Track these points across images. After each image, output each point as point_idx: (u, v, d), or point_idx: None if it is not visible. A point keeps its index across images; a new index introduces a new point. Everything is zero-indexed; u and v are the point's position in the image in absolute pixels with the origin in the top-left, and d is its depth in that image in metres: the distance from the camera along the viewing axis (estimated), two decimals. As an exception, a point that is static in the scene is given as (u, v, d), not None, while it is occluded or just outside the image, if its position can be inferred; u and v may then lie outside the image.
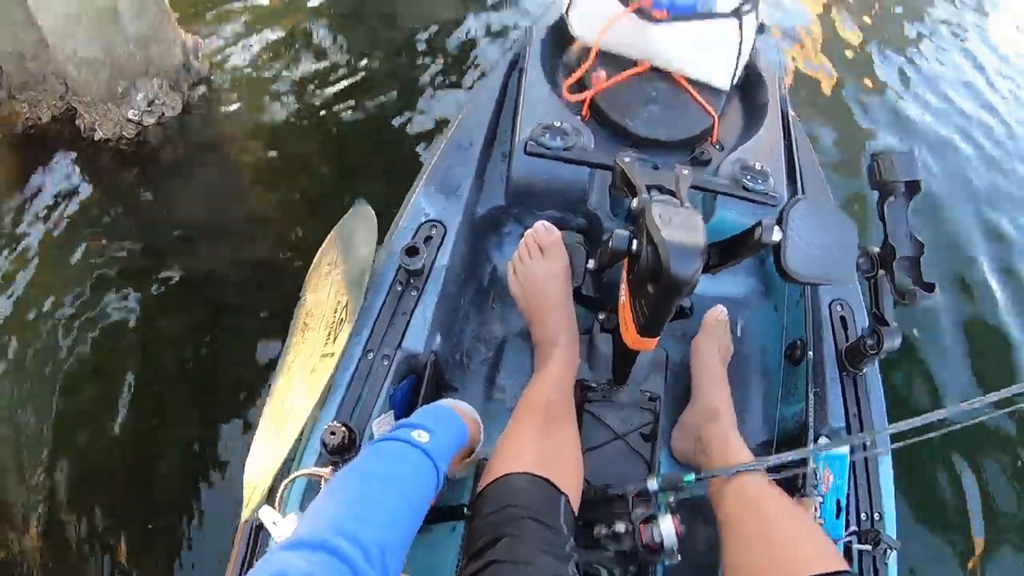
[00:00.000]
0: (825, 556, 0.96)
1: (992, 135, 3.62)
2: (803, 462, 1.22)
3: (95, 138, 2.89)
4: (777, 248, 1.03)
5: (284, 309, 2.16)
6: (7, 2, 2.71)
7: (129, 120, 2.88)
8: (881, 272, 1.28)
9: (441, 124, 3.04)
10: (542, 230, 1.37)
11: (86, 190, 2.81)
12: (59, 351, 2.27)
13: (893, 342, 1.30)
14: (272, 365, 2.09)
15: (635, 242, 1.01)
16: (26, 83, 2.99)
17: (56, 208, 2.73)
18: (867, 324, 1.35)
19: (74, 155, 2.90)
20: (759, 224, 1.04)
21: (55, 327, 2.33)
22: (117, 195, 2.82)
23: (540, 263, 1.33)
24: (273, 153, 2.93)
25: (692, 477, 1.11)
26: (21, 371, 2.24)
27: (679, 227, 0.92)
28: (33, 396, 2.18)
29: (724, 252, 1.13)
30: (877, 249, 1.29)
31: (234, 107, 3.12)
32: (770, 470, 1.11)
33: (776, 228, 1.03)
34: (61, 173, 2.86)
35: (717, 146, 1.65)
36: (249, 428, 2.04)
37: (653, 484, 1.12)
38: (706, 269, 0.98)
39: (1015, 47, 4.50)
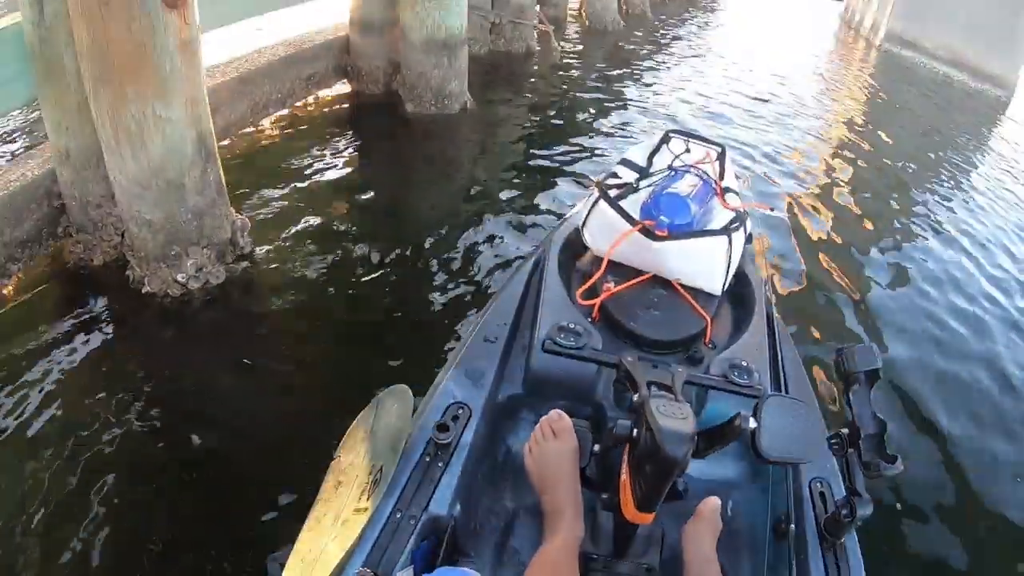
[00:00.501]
0: None
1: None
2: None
3: (142, 291, 3.18)
4: (753, 435, 1.25)
5: (291, 481, 2.34)
6: (90, 153, 3.09)
7: (176, 281, 3.16)
8: (851, 450, 1.47)
9: (453, 311, 3.36)
10: (556, 416, 1.55)
11: (123, 333, 3.05)
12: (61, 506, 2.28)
13: (865, 511, 1.47)
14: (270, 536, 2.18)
15: (635, 430, 1.24)
16: (85, 226, 3.32)
17: (90, 345, 2.93)
18: (843, 496, 1.53)
19: (119, 302, 3.17)
20: (739, 415, 1.27)
21: (63, 471, 2.37)
22: (153, 347, 3.04)
23: (553, 444, 1.52)
24: (303, 330, 3.18)
25: None
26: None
27: (673, 418, 1.15)
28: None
29: (711, 438, 1.33)
30: (846, 430, 1.50)
31: (271, 284, 3.43)
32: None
33: (751, 419, 1.25)
34: (103, 313, 3.11)
35: (710, 345, 1.90)
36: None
37: None
38: (697, 454, 1.20)
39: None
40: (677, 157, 2.51)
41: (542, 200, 4.58)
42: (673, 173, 2.29)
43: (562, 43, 8.26)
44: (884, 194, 6.51)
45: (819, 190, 6.15)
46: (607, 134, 6.04)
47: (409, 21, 5.19)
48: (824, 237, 5.12)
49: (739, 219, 2.11)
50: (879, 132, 8.97)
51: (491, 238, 4.03)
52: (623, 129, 6.24)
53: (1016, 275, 5.20)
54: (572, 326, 1.65)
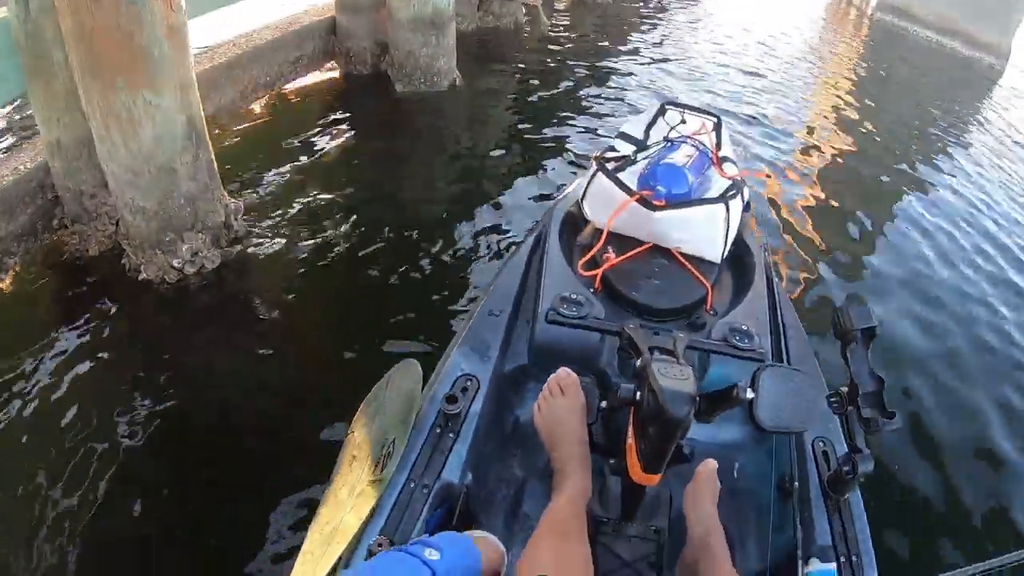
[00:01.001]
0: None
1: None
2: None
3: (139, 278, 3.17)
4: (751, 405, 1.27)
5: (295, 459, 2.36)
6: (81, 144, 3.09)
7: (172, 267, 3.16)
8: (850, 408, 1.49)
9: (454, 286, 3.37)
10: (563, 374, 1.57)
11: (122, 321, 3.04)
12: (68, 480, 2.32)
13: (867, 467, 1.49)
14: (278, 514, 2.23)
15: (638, 393, 1.25)
16: (80, 217, 3.32)
17: (90, 334, 2.93)
18: (844, 454, 1.55)
19: (117, 290, 3.16)
20: (736, 386, 1.29)
21: (66, 454, 2.40)
22: (152, 332, 3.05)
23: (561, 400, 1.54)
24: (302, 311, 3.18)
25: None
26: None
27: (674, 379, 1.17)
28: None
29: (712, 402, 1.36)
30: (845, 389, 1.52)
31: (267, 266, 3.42)
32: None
33: (749, 389, 1.27)
34: (101, 302, 3.10)
35: (712, 312, 1.92)
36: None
37: None
38: (700, 417, 1.22)
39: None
40: (673, 128, 2.53)
41: (537, 174, 4.58)
42: (670, 144, 2.31)
43: (552, 17, 8.20)
44: (877, 161, 6.53)
45: (813, 158, 6.18)
46: (599, 107, 6.02)
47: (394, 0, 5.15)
48: (821, 203, 5.18)
49: (736, 187, 2.12)
50: (871, 101, 8.98)
51: (488, 213, 4.03)
52: (615, 102, 6.21)
53: (1004, 238, 5.30)
54: (574, 296, 1.67)
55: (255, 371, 2.84)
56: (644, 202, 1.92)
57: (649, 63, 7.65)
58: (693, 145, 2.27)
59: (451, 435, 1.54)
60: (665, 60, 7.90)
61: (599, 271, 1.90)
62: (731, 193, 2.05)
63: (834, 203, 5.21)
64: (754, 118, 6.59)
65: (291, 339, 3.01)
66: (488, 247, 3.69)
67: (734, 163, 2.40)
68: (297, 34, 5.20)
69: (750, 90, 7.56)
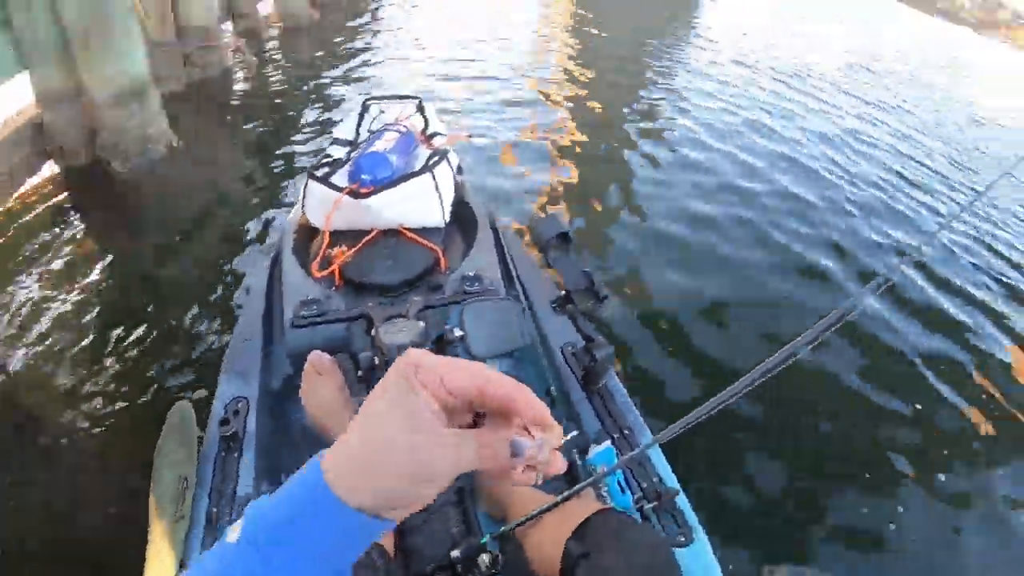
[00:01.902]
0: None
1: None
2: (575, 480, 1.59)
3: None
4: (463, 340, 1.47)
5: None
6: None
7: None
8: (570, 306, 1.74)
9: (225, 325, 3.35)
10: (315, 358, 1.70)
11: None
12: None
13: (605, 351, 1.73)
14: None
15: (375, 357, 1.43)
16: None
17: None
18: (582, 347, 1.79)
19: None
20: (447, 328, 1.49)
21: None
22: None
23: (319, 380, 1.67)
24: (79, 410, 3.01)
25: (487, 537, 1.28)
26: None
27: (396, 332, 1.35)
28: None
29: (438, 349, 1.54)
30: (562, 292, 1.77)
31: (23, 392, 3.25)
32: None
33: (456, 328, 1.48)
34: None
35: (447, 271, 2.12)
36: None
37: (460, 553, 1.28)
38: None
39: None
40: (375, 120, 2.71)
41: (276, 199, 4.70)
42: (373, 135, 2.48)
43: (264, 52, 8.15)
44: (603, 102, 7.29)
45: (531, 112, 6.85)
46: (321, 121, 6.17)
47: (90, 81, 4.94)
48: (554, 144, 5.73)
49: (439, 155, 2.34)
50: (585, 42, 9.88)
51: (237, 249, 4.07)
52: (335, 111, 6.42)
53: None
54: (312, 297, 1.82)
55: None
56: (354, 194, 2.09)
57: (360, 69, 7.92)
58: (395, 130, 2.47)
59: (235, 454, 1.63)
60: (376, 61, 8.24)
61: (332, 268, 2.04)
62: (433, 162, 2.26)
63: (567, 142, 5.77)
64: (466, 88, 7.22)
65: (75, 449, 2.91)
66: (245, 278, 3.73)
67: (443, 135, 2.64)
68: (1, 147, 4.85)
69: (462, 62, 8.28)
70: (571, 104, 7.34)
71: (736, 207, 5.07)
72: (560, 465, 0.51)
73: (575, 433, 0.56)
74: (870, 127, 8.32)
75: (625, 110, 7.35)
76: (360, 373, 1.63)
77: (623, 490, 1.55)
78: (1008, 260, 5.35)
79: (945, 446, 3.18)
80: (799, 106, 8.37)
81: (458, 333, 1.47)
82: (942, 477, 2.99)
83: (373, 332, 1.49)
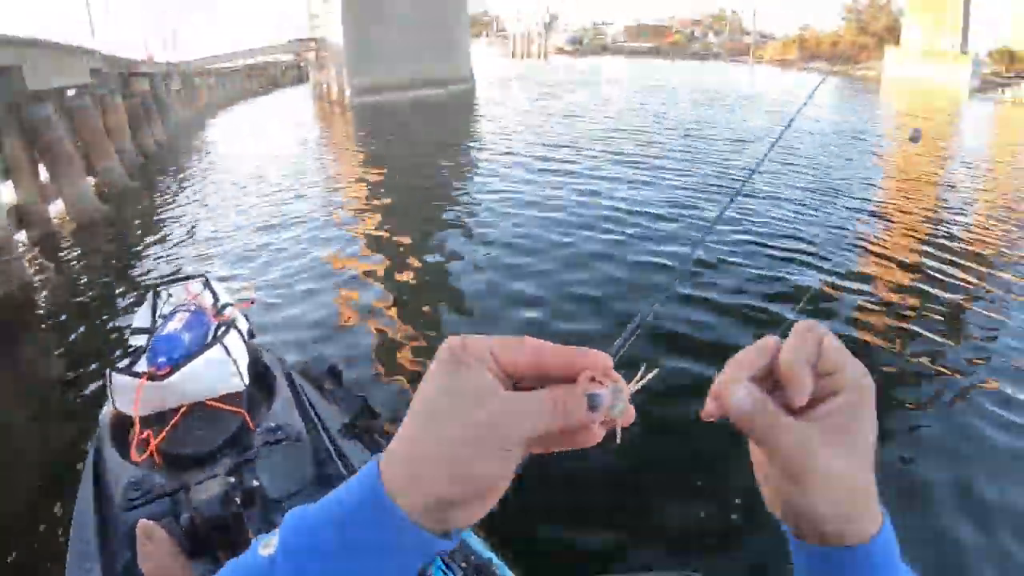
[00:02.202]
0: None
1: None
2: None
3: None
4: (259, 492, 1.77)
5: None
6: None
7: None
8: (355, 428, 2.06)
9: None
10: (141, 529, 1.77)
11: None
12: None
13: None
14: None
15: (194, 519, 1.69)
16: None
17: None
18: None
19: None
20: (243, 479, 1.77)
21: None
22: None
23: (151, 548, 1.75)
24: None
25: None
26: None
27: (205, 491, 1.63)
28: None
29: (245, 497, 1.79)
30: (345, 419, 2.10)
31: None
32: None
33: (255, 479, 1.76)
34: None
35: (256, 427, 2.34)
36: None
37: None
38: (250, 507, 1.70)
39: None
40: (166, 303, 2.95)
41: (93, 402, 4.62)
42: (166, 319, 2.70)
43: (60, 255, 8.11)
44: (397, 220, 7.94)
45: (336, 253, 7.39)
46: (122, 311, 6.23)
47: None
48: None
49: (227, 326, 2.60)
50: (382, 169, 10.72)
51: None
52: (132, 299, 6.49)
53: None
54: (137, 480, 1.99)
55: None
56: (153, 377, 2.30)
57: (167, 251, 8.14)
58: (185, 310, 2.71)
59: None
60: (181, 241, 8.54)
61: (150, 450, 2.22)
62: (222, 332, 2.53)
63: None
64: (263, 249, 7.71)
65: None
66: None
67: (232, 305, 2.92)
68: None
69: (266, 224, 8.70)
70: (374, 225, 8.06)
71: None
72: (632, 414, 0.47)
73: (651, 372, 0.50)
74: (635, 170, 10.24)
75: (423, 212, 8.12)
76: (184, 531, 1.85)
77: (445, 573, 1.74)
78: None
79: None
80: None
81: (255, 483, 1.71)
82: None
83: (188, 497, 1.74)
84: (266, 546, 0.43)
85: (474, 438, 0.43)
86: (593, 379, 0.46)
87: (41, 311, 6.68)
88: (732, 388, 0.47)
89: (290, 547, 0.43)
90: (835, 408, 0.46)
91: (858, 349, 4.77)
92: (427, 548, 0.44)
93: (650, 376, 0.49)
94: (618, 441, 0.47)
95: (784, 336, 0.48)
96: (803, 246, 7.24)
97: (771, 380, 0.48)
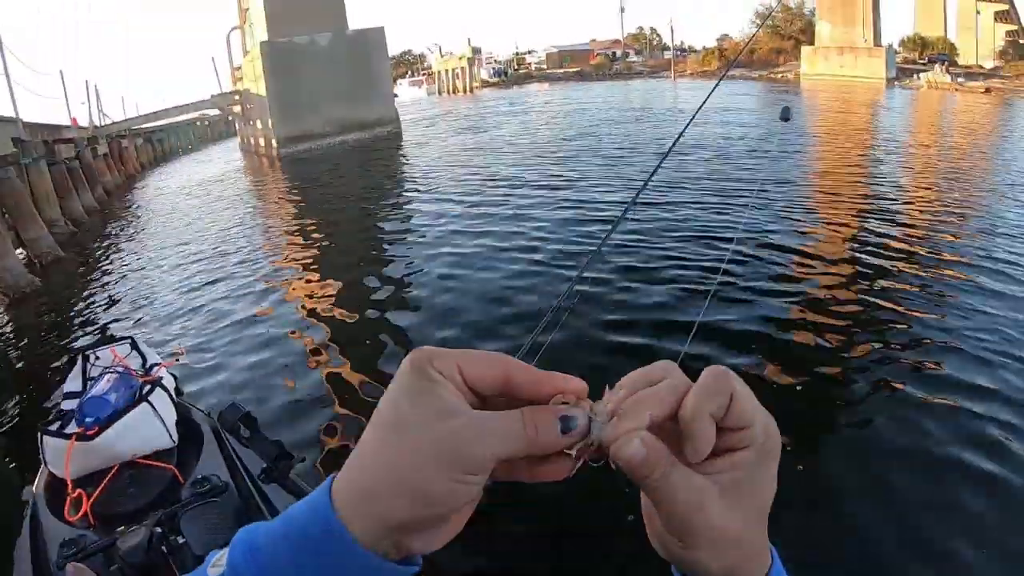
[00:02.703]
0: None
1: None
2: None
3: None
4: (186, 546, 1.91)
5: None
6: None
7: None
8: (274, 472, 2.21)
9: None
10: (71, 570, 1.89)
11: None
12: None
13: None
14: None
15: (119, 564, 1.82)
16: None
17: None
18: None
19: None
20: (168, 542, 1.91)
21: None
22: None
23: None
24: None
25: None
26: None
27: (128, 540, 1.76)
28: None
29: (168, 548, 1.92)
30: (264, 464, 2.26)
31: None
32: None
33: (179, 536, 1.90)
34: None
35: (188, 481, 2.43)
36: None
37: None
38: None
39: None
40: (93, 366, 3.05)
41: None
42: (94, 381, 2.82)
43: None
44: (340, 266, 8.14)
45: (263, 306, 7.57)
46: (55, 381, 6.17)
47: None
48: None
49: (153, 384, 2.73)
50: (310, 219, 10.87)
51: None
52: (63, 367, 6.49)
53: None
54: (70, 539, 2.08)
55: None
56: (82, 437, 2.41)
57: (93, 317, 8.22)
58: (113, 371, 2.83)
59: None
60: (107, 309, 8.56)
61: (84, 510, 2.29)
62: (147, 390, 2.65)
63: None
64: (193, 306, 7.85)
65: None
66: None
67: (159, 364, 3.04)
68: None
69: (197, 282, 8.80)
70: (300, 274, 8.28)
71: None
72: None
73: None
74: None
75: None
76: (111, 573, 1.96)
77: None
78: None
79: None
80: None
81: (181, 540, 1.84)
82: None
83: (115, 546, 1.86)
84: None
85: (435, 456, 0.40)
86: (566, 403, 0.44)
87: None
88: (626, 440, 0.42)
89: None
90: (737, 463, 0.44)
91: (782, 347, 5.11)
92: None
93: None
94: (572, 472, 0.44)
95: (686, 365, 0.47)
96: (718, 246, 7.61)
97: (668, 423, 0.44)
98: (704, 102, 2.65)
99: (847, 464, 3.82)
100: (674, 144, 2.48)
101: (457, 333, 5.91)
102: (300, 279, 8.37)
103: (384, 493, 0.41)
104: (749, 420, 0.44)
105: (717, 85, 2.60)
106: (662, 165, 2.58)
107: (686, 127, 2.68)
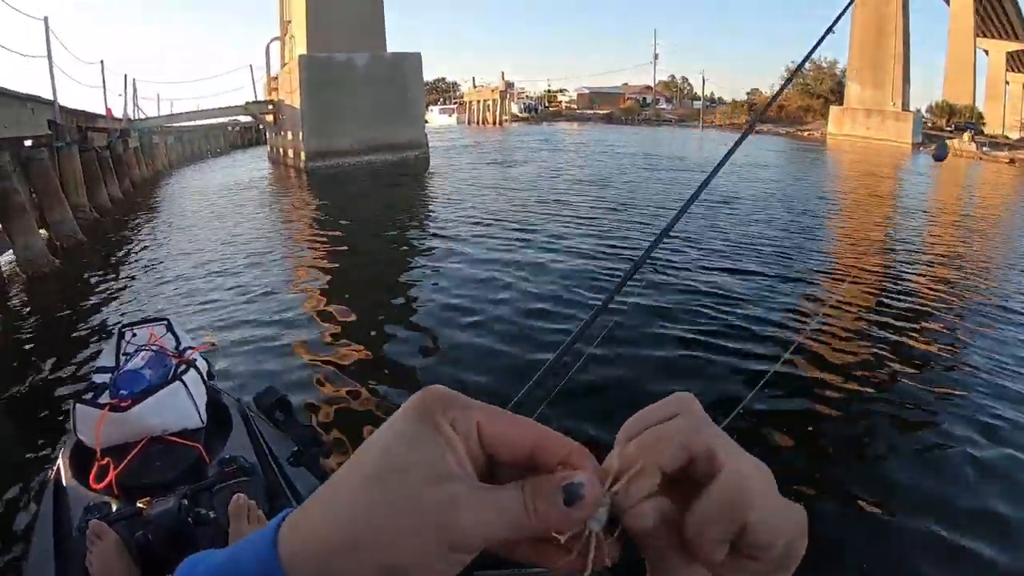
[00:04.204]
0: None
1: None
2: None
3: None
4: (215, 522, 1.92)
5: None
6: None
7: None
8: (304, 457, 2.22)
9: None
10: (92, 528, 1.90)
11: None
12: None
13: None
14: None
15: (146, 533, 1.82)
16: None
17: None
18: None
19: None
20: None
21: None
22: None
23: (100, 545, 1.88)
24: None
25: None
26: None
27: (157, 507, 1.78)
28: None
29: (196, 521, 1.92)
30: (295, 447, 2.28)
31: None
32: None
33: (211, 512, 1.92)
34: None
35: (212, 462, 2.46)
36: None
37: None
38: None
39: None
40: (130, 343, 3.08)
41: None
42: (129, 357, 2.84)
43: (11, 305, 8.13)
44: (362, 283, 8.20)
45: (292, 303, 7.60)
46: (82, 358, 6.35)
47: None
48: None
49: (187, 365, 2.75)
50: (337, 228, 10.99)
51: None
52: (93, 344, 6.73)
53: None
54: (93, 504, 2.10)
55: None
56: (115, 408, 2.42)
57: (131, 299, 8.29)
58: (148, 349, 2.85)
59: None
60: (144, 288, 8.72)
61: (110, 479, 2.30)
62: (182, 370, 2.67)
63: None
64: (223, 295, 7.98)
65: None
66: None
67: (192, 347, 3.06)
68: None
69: (225, 272, 8.94)
70: (328, 277, 8.44)
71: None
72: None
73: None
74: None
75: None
76: (138, 548, 1.96)
77: None
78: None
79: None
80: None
81: (212, 515, 1.84)
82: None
83: (143, 517, 1.86)
84: None
85: (420, 526, 0.34)
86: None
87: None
88: (640, 507, 0.36)
89: None
90: (744, 570, 0.37)
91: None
92: None
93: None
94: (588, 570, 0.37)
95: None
96: (748, 308, 7.54)
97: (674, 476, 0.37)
98: (730, 153, 2.43)
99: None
100: (698, 192, 2.31)
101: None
102: (323, 288, 8.46)
103: (347, 555, 0.34)
104: (768, 543, 0.36)
105: (742, 139, 2.49)
106: (688, 213, 2.44)
107: (710, 178, 2.45)
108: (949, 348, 6.53)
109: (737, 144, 2.46)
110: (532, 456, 0.38)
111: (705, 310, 7.16)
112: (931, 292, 8.35)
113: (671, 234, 2.24)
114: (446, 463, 0.35)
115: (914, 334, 6.81)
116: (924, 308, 7.65)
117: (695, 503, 0.36)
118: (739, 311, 7.20)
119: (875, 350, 6.29)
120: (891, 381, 5.58)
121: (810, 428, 4.73)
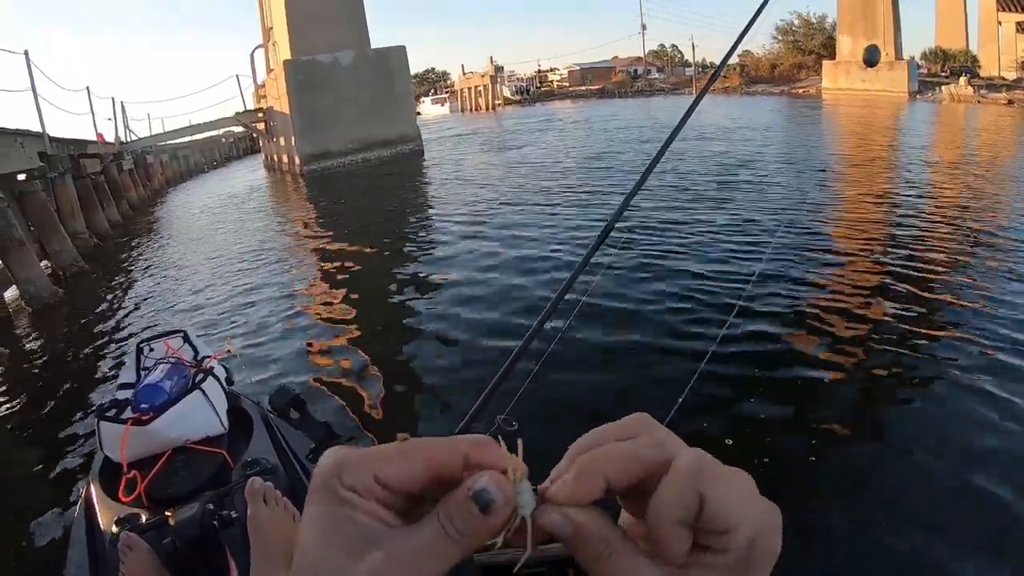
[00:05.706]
0: None
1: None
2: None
3: None
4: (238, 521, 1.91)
5: None
6: None
7: None
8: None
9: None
10: (123, 539, 1.93)
11: None
12: None
13: None
14: None
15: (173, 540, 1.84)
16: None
17: None
18: None
19: None
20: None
21: None
22: None
23: (131, 555, 1.91)
24: None
25: None
26: None
27: (182, 514, 1.77)
28: None
29: (221, 524, 1.93)
30: (312, 445, 2.27)
31: None
32: None
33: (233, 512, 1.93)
34: None
35: (237, 465, 2.48)
36: None
37: None
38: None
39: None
40: (147, 358, 3.09)
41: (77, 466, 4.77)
42: (148, 371, 2.86)
43: (17, 340, 8.25)
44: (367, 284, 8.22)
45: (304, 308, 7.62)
46: (100, 378, 6.47)
47: None
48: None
49: (205, 373, 2.76)
50: (337, 229, 11.03)
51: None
52: (109, 365, 6.79)
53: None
54: (123, 516, 2.13)
55: None
56: (137, 422, 2.44)
57: (138, 324, 8.30)
58: (166, 362, 2.87)
59: None
60: (152, 311, 8.75)
61: (138, 491, 2.33)
62: (200, 379, 2.68)
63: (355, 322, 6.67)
64: (234, 305, 8.11)
65: None
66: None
67: (210, 356, 3.07)
68: None
69: (233, 286, 9.02)
70: (333, 278, 8.55)
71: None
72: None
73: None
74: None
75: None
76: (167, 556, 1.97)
77: None
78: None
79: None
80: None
81: (235, 515, 1.85)
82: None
83: (170, 524, 1.88)
84: None
85: None
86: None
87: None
88: (545, 510, 0.37)
89: None
90: (709, 566, 0.36)
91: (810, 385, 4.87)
92: None
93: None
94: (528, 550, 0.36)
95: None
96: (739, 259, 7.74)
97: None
98: (683, 121, 2.23)
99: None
100: (659, 156, 2.16)
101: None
102: (327, 289, 8.48)
103: None
104: (727, 524, 0.35)
105: (695, 105, 2.33)
106: (650, 175, 2.27)
107: (664, 149, 2.23)
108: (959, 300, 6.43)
109: (688, 113, 2.29)
110: (437, 477, 0.37)
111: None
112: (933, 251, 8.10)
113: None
114: (359, 529, 0.35)
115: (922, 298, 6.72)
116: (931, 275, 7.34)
117: (654, 493, 0.36)
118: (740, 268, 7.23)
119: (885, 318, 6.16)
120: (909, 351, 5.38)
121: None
